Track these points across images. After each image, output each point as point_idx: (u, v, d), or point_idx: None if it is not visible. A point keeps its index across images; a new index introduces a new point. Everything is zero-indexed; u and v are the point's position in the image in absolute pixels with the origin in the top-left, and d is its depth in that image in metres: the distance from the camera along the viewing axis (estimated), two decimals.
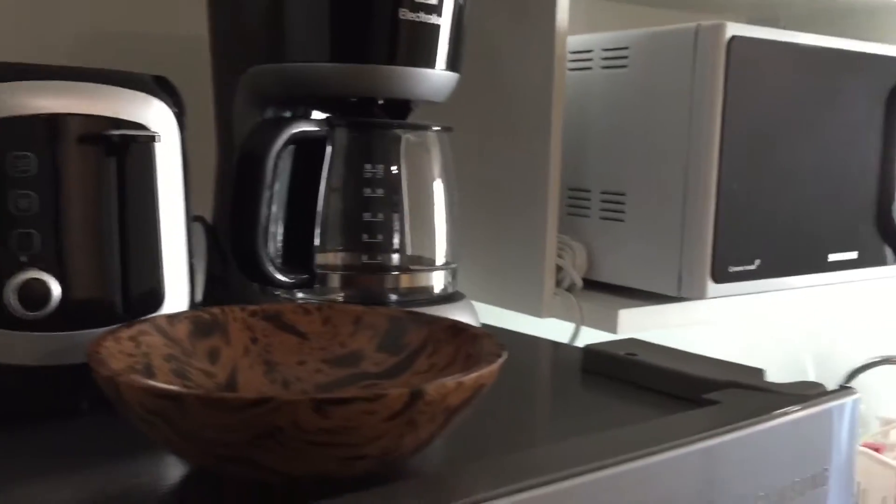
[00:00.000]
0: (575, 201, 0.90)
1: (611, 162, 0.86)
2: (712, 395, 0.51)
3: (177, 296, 0.52)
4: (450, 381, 0.36)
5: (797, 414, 0.48)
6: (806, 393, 0.51)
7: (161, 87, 0.52)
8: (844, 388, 0.53)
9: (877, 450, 1.46)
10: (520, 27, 0.83)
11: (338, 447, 0.35)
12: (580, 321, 0.83)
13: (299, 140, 0.59)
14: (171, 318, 0.47)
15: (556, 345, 0.72)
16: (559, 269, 0.86)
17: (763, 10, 1.17)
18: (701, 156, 0.78)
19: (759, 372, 0.56)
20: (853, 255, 0.90)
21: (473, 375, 0.37)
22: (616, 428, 0.44)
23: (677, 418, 0.47)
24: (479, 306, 0.96)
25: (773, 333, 1.42)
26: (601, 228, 0.87)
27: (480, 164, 0.88)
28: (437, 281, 0.64)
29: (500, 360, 0.40)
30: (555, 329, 0.88)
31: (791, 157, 0.84)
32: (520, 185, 0.84)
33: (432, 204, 0.65)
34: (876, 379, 1.59)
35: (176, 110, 0.52)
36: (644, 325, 0.81)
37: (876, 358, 1.35)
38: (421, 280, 0.63)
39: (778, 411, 0.47)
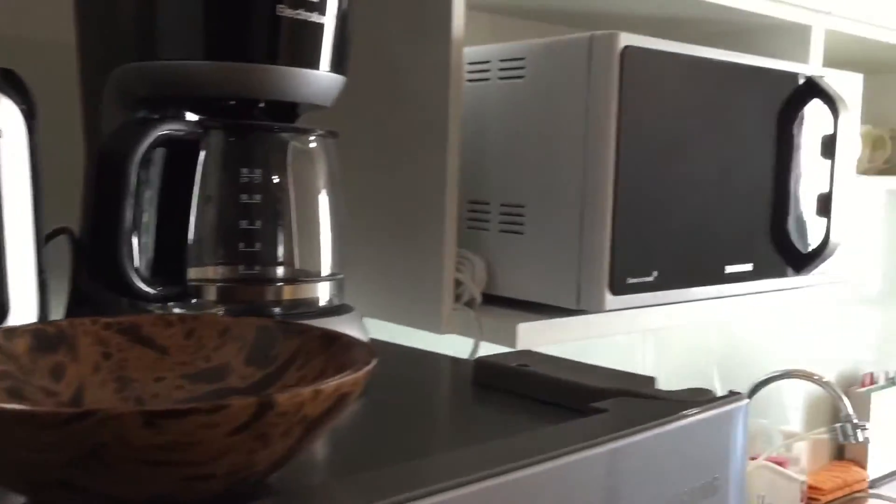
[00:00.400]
0: (475, 214, 0.88)
1: (510, 174, 0.85)
2: (601, 404, 0.49)
3: (23, 312, 0.47)
4: (305, 389, 0.33)
5: (684, 421, 0.46)
6: (694, 399, 0.50)
7: (7, 82, 0.48)
8: (733, 394, 0.52)
9: (780, 464, 1.49)
10: (416, 36, 0.81)
11: (176, 466, 0.31)
12: (479, 336, 0.81)
13: (169, 142, 0.55)
14: (9, 331, 0.42)
15: (450, 359, 0.69)
16: (458, 283, 0.84)
17: (661, 31, 1.19)
18: (597, 167, 0.78)
19: (650, 380, 0.55)
20: (749, 267, 0.91)
21: (333, 384, 0.34)
22: (496, 440, 0.42)
23: (561, 428, 0.45)
24: (379, 324, 0.93)
25: (681, 347, 1.43)
26: (501, 242, 0.85)
27: (378, 177, 0.86)
28: (323, 293, 0.61)
29: (366, 369, 0.37)
30: (455, 345, 0.86)
31: (688, 169, 0.85)
32: (417, 198, 0.82)
33: (316, 212, 0.62)
34: (779, 393, 1.62)
35: (24, 108, 0.48)
36: (544, 338, 0.79)
37: (778, 372, 1.38)
38: (304, 292, 0.60)
39: (664, 418, 0.46)
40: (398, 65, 0.83)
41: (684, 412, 0.47)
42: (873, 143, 1.56)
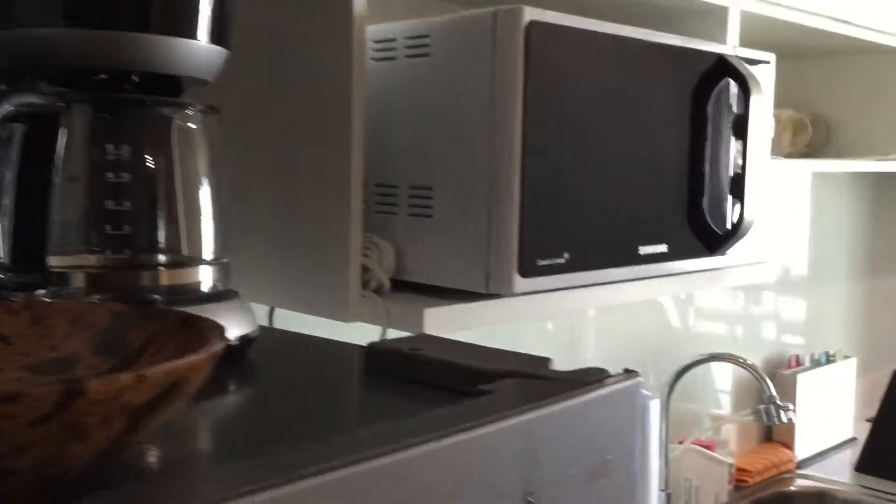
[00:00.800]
0: (383, 198, 0.85)
1: (418, 156, 0.82)
2: (489, 386, 0.47)
3: None
4: (125, 375, 0.30)
5: (572, 400, 0.44)
6: (586, 379, 0.48)
7: None
8: (629, 372, 0.50)
9: (709, 447, 1.49)
10: (314, 12, 0.78)
11: None
12: (386, 323, 0.78)
13: (26, 117, 0.51)
14: None
15: (348, 346, 0.66)
16: (366, 269, 0.80)
17: (577, 13, 1.17)
18: (504, 147, 0.75)
19: (544, 361, 0.52)
20: (663, 247, 0.90)
21: (161, 368, 0.31)
22: (368, 426, 0.39)
23: (441, 411, 0.42)
24: (293, 315, 0.90)
25: (605, 333, 1.43)
26: (410, 226, 0.83)
27: (279, 160, 0.82)
28: (204, 278, 0.57)
29: (205, 351, 0.34)
30: (368, 335, 0.82)
31: (600, 149, 0.83)
32: (321, 182, 0.78)
33: (195, 193, 0.58)
34: (709, 377, 1.63)
35: None
36: (452, 324, 0.76)
37: (703, 355, 1.38)
38: (183, 277, 0.56)
39: (550, 398, 0.43)
40: (297, 41, 0.79)
41: (572, 391, 0.45)
42: (795, 128, 1.58)
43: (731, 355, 1.40)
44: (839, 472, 1.67)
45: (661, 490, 1.35)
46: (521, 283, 0.76)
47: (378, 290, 0.81)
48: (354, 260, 0.78)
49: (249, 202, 0.84)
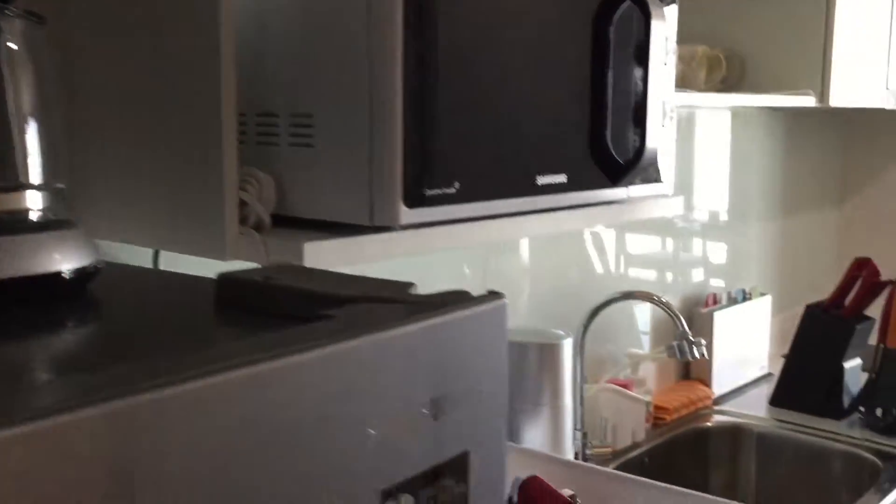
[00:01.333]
0: (264, 128, 0.79)
1: (297, 82, 0.76)
2: (333, 311, 0.43)
3: None
4: None
5: (420, 324, 0.40)
6: (445, 301, 0.44)
7: None
8: (492, 294, 0.46)
9: (626, 386, 1.50)
10: None
11: None
12: (266, 261, 0.73)
13: None
14: None
15: (201, 280, 0.61)
16: (244, 204, 0.75)
17: None
18: (384, 68, 0.70)
19: (406, 286, 0.49)
20: (562, 178, 0.87)
21: None
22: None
23: (270, 335, 0.38)
24: (172, 256, 0.84)
25: (523, 276, 1.40)
26: (292, 157, 0.77)
27: (146, 87, 0.76)
28: (32, 205, 0.51)
29: None
30: None
31: (492, 73, 0.79)
32: (191, 111, 0.72)
33: (21, 113, 0.52)
34: (629, 317, 1.63)
35: None
36: (335, 259, 0.72)
37: (618, 293, 1.37)
38: (6, 203, 0.50)
39: (394, 321, 0.39)
40: None
41: (420, 314, 0.41)
42: (710, 64, 1.56)
43: (645, 293, 1.39)
44: (756, 407, 1.70)
45: (577, 429, 1.35)
46: (407, 214, 0.72)
47: (259, 227, 0.76)
48: (230, 195, 0.73)
49: (111, 134, 0.77)
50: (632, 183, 0.95)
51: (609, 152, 0.91)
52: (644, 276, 1.69)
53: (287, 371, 0.35)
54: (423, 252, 0.72)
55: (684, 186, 1.75)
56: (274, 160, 0.79)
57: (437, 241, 0.77)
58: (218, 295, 0.52)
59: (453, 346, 0.42)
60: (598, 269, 1.56)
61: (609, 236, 1.57)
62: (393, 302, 0.45)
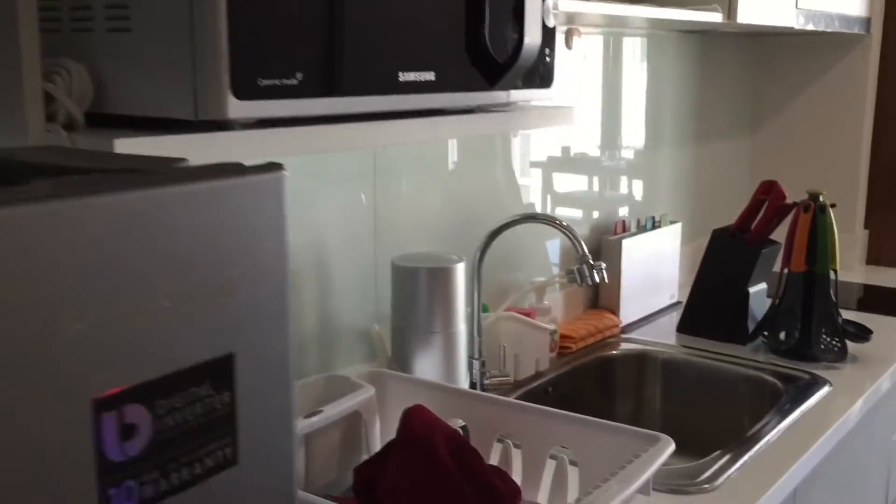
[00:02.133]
0: (78, 12, 0.69)
1: None
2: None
3: None
4: None
5: (158, 190, 0.32)
6: (211, 172, 0.36)
7: None
8: (272, 165, 0.38)
9: (528, 315, 1.45)
10: None
11: None
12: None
13: None
14: None
15: None
16: (51, 99, 0.65)
17: None
18: None
19: (176, 160, 0.40)
20: (430, 75, 0.79)
21: None
22: None
23: None
24: None
25: (422, 201, 1.33)
26: (108, 45, 0.67)
27: None
28: None
29: None
30: None
31: None
32: None
33: None
34: (536, 246, 1.58)
35: None
36: None
37: (517, 216, 1.30)
38: None
39: (123, 187, 0.31)
40: None
41: (162, 182, 0.33)
42: None
43: (546, 215, 1.33)
44: (664, 335, 1.68)
45: (474, 358, 1.29)
46: (236, 107, 0.63)
47: (70, 125, 0.66)
48: (33, 88, 0.62)
49: None
50: (513, 86, 0.88)
51: (486, 50, 0.83)
52: (552, 203, 1.63)
53: None
54: (255, 154, 0.63)
55: (608, 115, 1.69)
56: (91, 50, 0.68)
57: (274, 143, 0.68)
58: None
59: (213, 223, 0.34)
60: (506, 198, 1.49)
61: (517, 163, 1.51)
62: (146, 173, 0.36)
